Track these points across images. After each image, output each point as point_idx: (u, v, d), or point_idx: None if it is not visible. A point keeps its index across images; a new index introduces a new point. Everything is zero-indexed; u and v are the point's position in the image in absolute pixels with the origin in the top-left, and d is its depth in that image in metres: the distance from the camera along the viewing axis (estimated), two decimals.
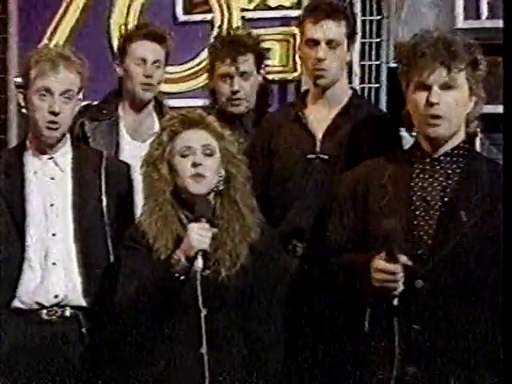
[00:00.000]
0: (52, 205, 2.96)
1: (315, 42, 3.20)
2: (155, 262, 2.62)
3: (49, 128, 2.93)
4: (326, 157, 3.16)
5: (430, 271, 2.52)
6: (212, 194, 2.71)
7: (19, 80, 4.45)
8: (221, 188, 2.71)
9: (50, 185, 2.98)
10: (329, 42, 3.19)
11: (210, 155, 2.69)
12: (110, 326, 2.77)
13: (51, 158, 3.01)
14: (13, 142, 4.58)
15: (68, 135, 3.06)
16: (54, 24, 4.49)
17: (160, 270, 2.58)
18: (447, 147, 2.63)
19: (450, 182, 2.61)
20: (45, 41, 4.48)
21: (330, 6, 3.25)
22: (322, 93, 3.24)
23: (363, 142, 3.11)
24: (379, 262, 2.49)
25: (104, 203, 3.00)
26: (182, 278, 2.55)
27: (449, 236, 2.54)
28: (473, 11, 4.06)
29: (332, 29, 3.19)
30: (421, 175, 2.63)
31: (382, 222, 2.50)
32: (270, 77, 3.91)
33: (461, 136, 2.65)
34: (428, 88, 2.57)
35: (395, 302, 2.51)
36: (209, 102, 3.73)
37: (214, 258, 2.62)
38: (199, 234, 2.55)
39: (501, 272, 2.46)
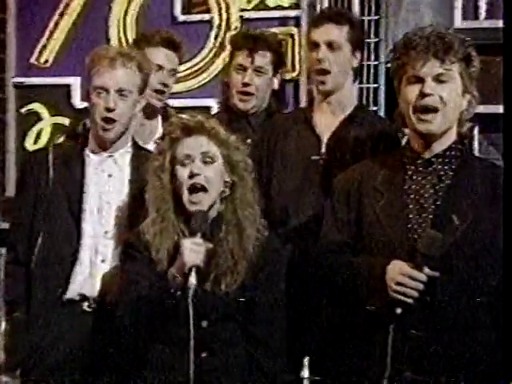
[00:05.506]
0: (108, 203, 2.99)
1: (315, 45, 3.22)
2: (155, 272, 2.60)
3: (104, 125, 2.96)
4: (330, 158, 3.14)
5: (426, 275, 2.48)
6: (218, 202, 2.69)
7: (19, 80, 4.54)
8: (226, 194, 2.69)
9: (107, 182, 3.01)
10: (329, 44, 3.19)
11: (211, 163, 2.65)
12: (111, 328, 2.76)
13: (111, 156, 3.03)
14: (11, 141, 4.58)
15: (130, 136, 3.09)
16: (52, 24, 4.50)
17: (158, 284, 2.57)
18: (439, 148, 2.61)
19: (442, 184, 2.59)
20: (43, 41, 4.49)
21: (332, 11, 3.35)
22: (325, 99, 3.24)
23: (366, 149, 3.11)
24: (406, 268, 2.47)
25: None
26: (178, 293, 2.53)
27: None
28: (471, 11, 4.07)
29: (332, 31, 3.19)
30: (414, 177, 2.62)
31: (427, 232, 2.49)
32: None
33: (453, 136, 2.64)
34: (421, 81, 2.56)
35: (398, 310, 2.49)
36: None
37: (214, 273, 2.61)
38: (192, 250, 2.52)
39: (501, 272, 2.46)
